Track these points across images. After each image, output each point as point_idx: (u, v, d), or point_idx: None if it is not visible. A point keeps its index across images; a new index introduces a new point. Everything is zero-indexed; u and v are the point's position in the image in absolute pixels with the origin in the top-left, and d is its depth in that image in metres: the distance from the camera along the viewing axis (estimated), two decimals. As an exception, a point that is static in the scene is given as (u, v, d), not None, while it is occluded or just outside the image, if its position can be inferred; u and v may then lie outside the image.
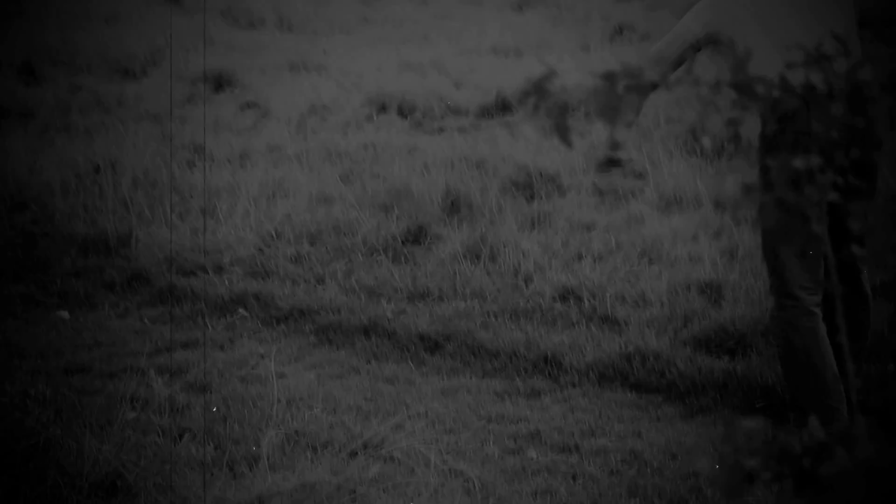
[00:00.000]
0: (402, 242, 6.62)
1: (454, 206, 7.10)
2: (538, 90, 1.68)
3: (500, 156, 8.14)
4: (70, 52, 11.88)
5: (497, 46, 12.58)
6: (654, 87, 1.81)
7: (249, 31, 14.33)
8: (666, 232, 6.43)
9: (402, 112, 9.87)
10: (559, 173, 7.64)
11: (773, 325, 4.48)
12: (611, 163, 5.78)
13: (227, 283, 6.19)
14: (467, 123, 9.61)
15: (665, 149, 7.67)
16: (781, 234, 4.15)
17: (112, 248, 6.58)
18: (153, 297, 6.11)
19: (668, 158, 7.58)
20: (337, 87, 10.67)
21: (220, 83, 10.98)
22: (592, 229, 6.73)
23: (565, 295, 5.88)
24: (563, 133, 1.70)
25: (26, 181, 7.42)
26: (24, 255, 6.48)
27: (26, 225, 6.91)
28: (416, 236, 6.70)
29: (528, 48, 12.23)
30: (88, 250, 6.54)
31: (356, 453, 4.49)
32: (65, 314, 5.90)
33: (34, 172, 7.61)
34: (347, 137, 8.94)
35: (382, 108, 9.91)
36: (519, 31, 13.33)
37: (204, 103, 9.59)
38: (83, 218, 6.89)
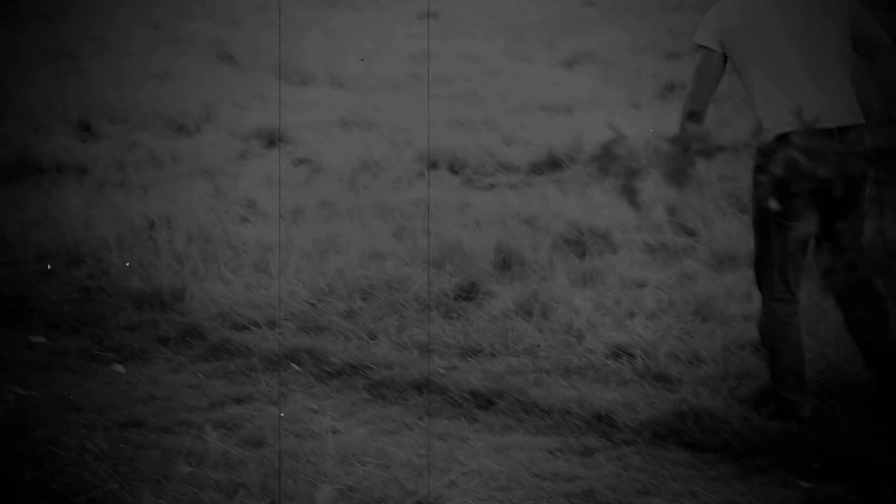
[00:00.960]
0: (454, 298, 6.64)
1: (506, 263, 7.12)
2: (607, 154, 1.70)
3: (551, 212, 8.16)
4: (126, 109, 12.05)
5: (547, 103, 12.63)
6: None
7: (301, 87, 14.46)
8: (719, 290, 6.41)
9: (453, 168, 9.91)
10: (610, 230, 7.65)
11: (760, 322, 5.27)
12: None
13: (279, 338, 6.23)
14: (518, 180, 9.64)
15: (717, 206, 7.67)
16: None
17: (166, 303, 6.63)
18: (207, 352, 6.15)
19: (721, 216, 7.57)
20: (388, 143, 10.74)
21: (272, 139, 11.09)
22: (645, 287, 6.73)
23: (618, 352, 5.87)
24: (631, 196, 1.72)
25: (82, 236, 7.51)
26: (80, 309, 6.55)
27: (82, 279, 6.99)
28: (468, 292, 6.71)
29: (578, 105, 12.28)
30: (143, 305, 6.60)
31: (410, 510, 4.49)
32: (120, 368, 5.95)
33: (90, 228, 7.70)
34: (399, 193, 8.99)
35: (433, 165, 9.97)
36: (569, 88, 13.39)
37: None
38: (138, 273, 6.96)
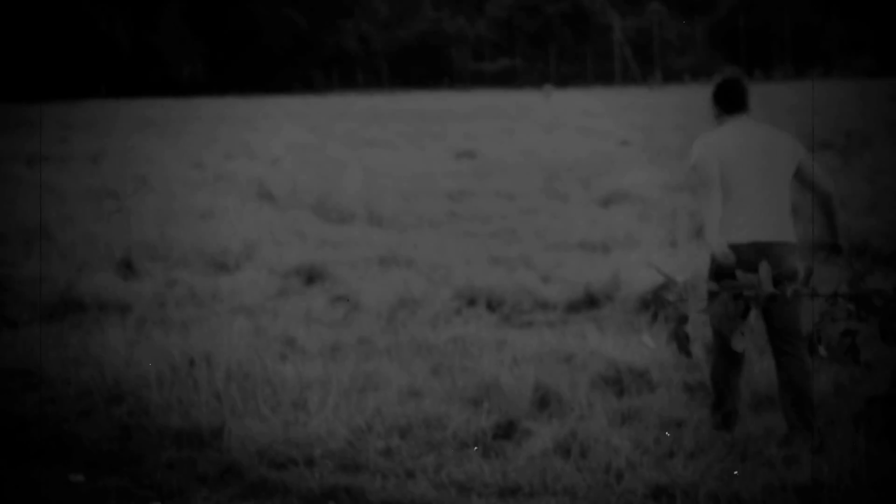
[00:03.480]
0: (492, 437, 6.62)
1: (544, 401, 7.10)
2: (657, 300, 1.73)
3: (588, 350, 8.17)
4: (167, 247, 12.21)
5: (584, 241, 12.72)
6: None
7: (340, 225, 14.64)
8: (758, 430, 6.36)
9: (491, 306, 9.96)
10: (648, 369, 7.64)
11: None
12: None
13: (317, 476, 6.21)
14: (555, 318, 9.67)
15: (756, 346, 7.65)
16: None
17: (205, 441, 6.64)
18: (245, 491, 6.13)
19: (759, 355, 7.56)
20: (426, 280, 10.83)
21: (311, 277, 11.20)
22: (684, 426, 6.69)
23: (657, 493, 5.81)
24: (681, 342, 1.74)
25: (123, 374, 7.57)
26: (119, 447, 6.56)
27: (122, 417, 7.01)
28: (506, 431, 6.69)
29: (615, 244, 12.35)
30: (182, 443, 6.61)
31: None
32: (158, 507, 5.94)
33: (131, 365, 7.76)
34: (437, 331, 9.03)
35: (471, 302, 10.02)
36: (605, 226, 13.48)
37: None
38: (177, 410, 6.98)
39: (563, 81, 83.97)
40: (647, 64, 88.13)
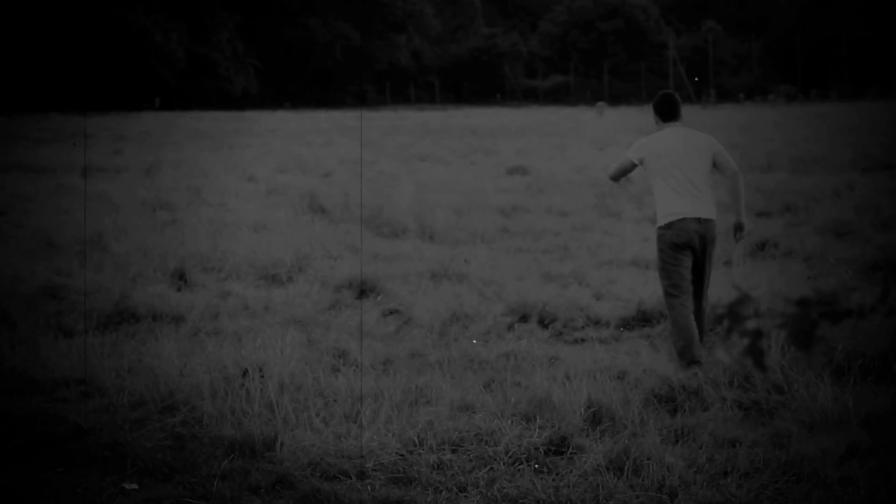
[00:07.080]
0: (544, 453, 6.59)
1: (596, 418, 7.07)
2: (732, 315, 1.71)
3: (641, 367, 8.14)
4: (220, 259, 12.27)
5: (637, 258, 12.67)
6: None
7: (393, 240, 14.67)
8: (814, 450, 6.30)
9: (543, 322, 9.94)
10: (702, 387, 7.59)
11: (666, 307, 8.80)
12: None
13: (369, 489, 6.21)
14: (608, 335, 9.63)
15: (823, 366, 7.57)
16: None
17: (258, 452, 6.65)
18: (297, 502, 6.13)
19: (815, 375, 7.48)
20: (478, 295, 10.82)
21: (363, 290, 11.21)
22: (738, 445, 6.63)
23: (712, 512, 5.76)
24: (756, 357, 1.72)
25: (177, 384, 7.61)
26: (172, 456, 6.59)
27: (176, 426, 7.05)
28: (559, 447, 6.66)
29: (668, 261, 12.26)
30: (235, 453, 6.62)
31: None
32: (211, 516, 5.94)
33: (184, 375, 7.80)
34: (489, 346, 9.02)
35: (523, 318, 10.00)
36: (658, 243, 13.39)
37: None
38: (230, 421, 7.01)
39: (617, 99, 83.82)
40: (701, 82, 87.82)
